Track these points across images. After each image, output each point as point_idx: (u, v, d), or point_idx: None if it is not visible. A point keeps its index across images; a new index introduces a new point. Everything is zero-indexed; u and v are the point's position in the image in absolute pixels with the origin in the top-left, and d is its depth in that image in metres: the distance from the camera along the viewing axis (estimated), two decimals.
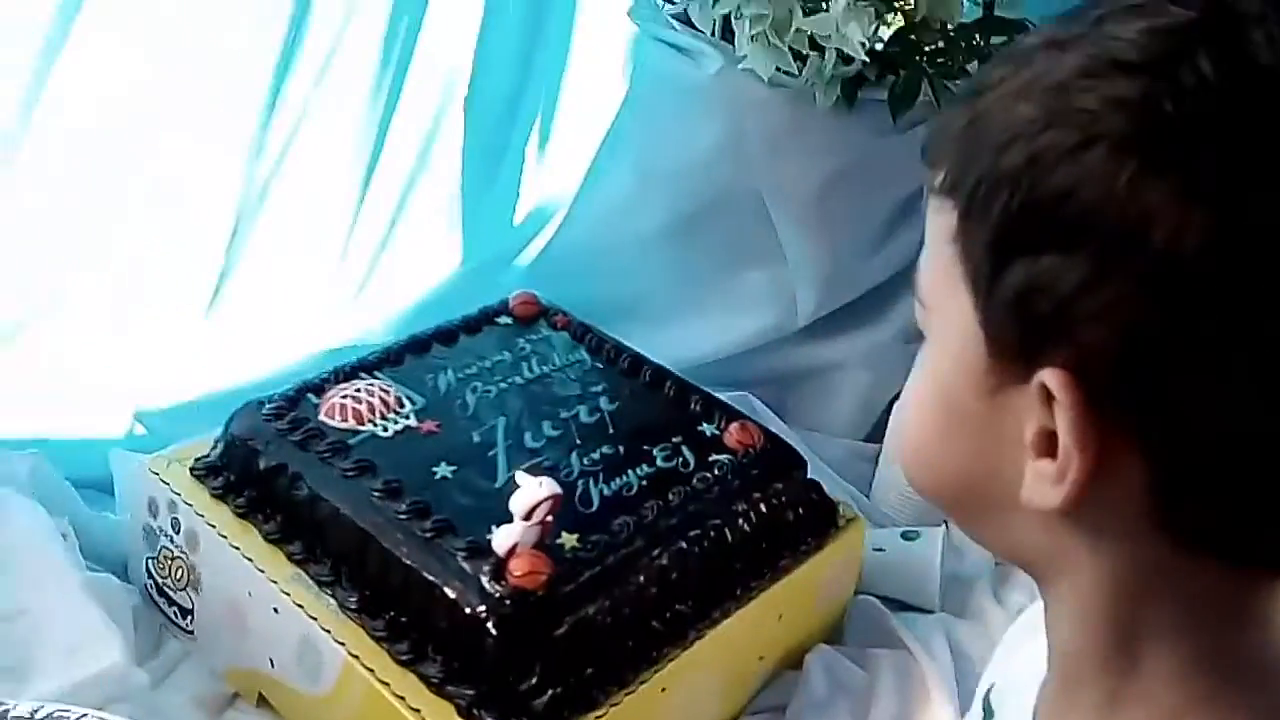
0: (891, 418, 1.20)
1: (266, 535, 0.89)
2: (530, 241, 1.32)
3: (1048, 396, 0.40)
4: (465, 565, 0.81)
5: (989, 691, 0.60)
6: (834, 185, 1.17)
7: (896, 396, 1.20)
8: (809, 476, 1.00)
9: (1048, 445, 0.40)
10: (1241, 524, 0.40)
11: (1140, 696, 0.43)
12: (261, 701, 0.93)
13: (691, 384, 1.05)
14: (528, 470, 0.84)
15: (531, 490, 0.80)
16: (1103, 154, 0.38)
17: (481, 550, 0.81)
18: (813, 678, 0.98)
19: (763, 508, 0.93)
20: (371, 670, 0.81)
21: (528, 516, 0.80)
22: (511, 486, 0.82)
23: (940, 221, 0.43)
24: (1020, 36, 0.45)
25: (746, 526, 0.92)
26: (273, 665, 0.89)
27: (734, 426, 0.98)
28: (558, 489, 0.81)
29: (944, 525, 1.13)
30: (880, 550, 1.08)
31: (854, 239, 1.22)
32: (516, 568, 0.80)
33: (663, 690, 0.83)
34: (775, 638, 0.97)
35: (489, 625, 0.78)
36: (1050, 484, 0.40)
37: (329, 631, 0.83)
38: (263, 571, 0.87)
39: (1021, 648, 0.58)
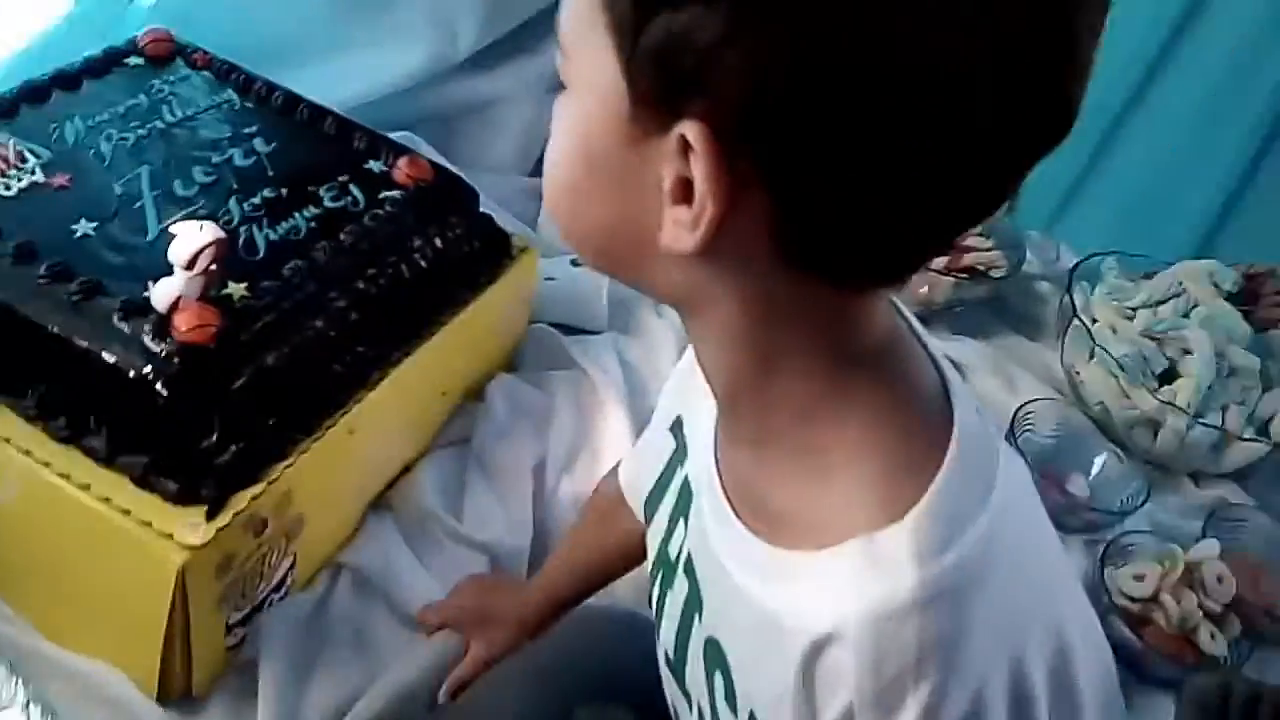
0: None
1: None
2: None
3: (685, 147, 0.42)
4: (123, 326, 0.75)
5: (678, 425, 0.65)
6: None
7: None
8: (480, 210, 0.98)
9: (684, 193, 0.43)
10: (849, 252, 0.44)
11: (783, 398, 0.50)
12: None
13: (353, 120, 0.99)
14: (184, 220, 0.77)
15: (191, 236, 0.74)
16: None
17: (140, 308, 0.75)
18: (494, 406, 1.00)
19: (437, 242, 0.91)
20: (28, 452, 0.74)
21: (189, 266, 0.74)
22: (166, 238, 0.75)
23: None
24: None
25: (422, 262, 0.89)
26: None
27: (403, 161, 0.94)
28: (220, 233, 0.75)
29: None
30: (551, 279, 1.09)
31: None
32: (182, 322, 0.74)
33: (350, 433, 0.82)
34: (456, 371, 0.97)
35: (158, 386, 0.73)
36: (687, 230, 0.43)
37: None
38: None
39: (694, 386, 0.62)
